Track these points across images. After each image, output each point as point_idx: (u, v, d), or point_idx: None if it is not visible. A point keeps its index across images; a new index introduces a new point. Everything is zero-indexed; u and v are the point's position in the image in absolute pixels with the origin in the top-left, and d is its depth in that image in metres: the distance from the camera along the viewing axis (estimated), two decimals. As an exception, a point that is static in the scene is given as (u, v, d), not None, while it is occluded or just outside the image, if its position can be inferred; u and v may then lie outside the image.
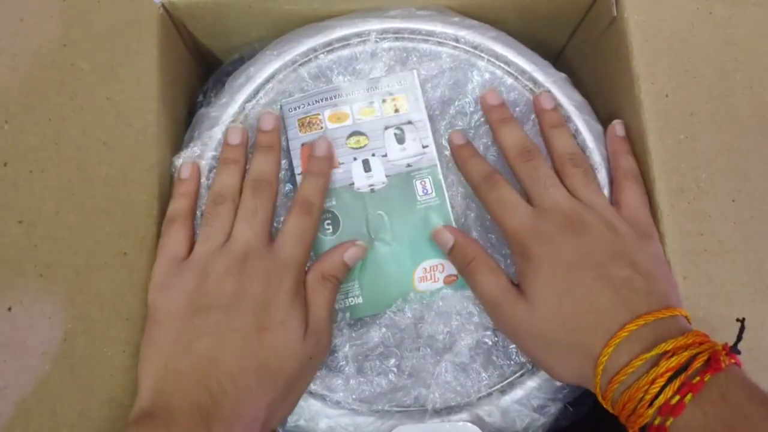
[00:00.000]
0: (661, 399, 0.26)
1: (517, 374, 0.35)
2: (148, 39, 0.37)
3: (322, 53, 0.39)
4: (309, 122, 0.38)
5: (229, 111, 0.38)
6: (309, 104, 0.38)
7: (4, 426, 0.28)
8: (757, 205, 0.35)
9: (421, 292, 0.36)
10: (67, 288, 0.31)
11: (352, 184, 0.37)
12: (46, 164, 0.32)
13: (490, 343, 0.35)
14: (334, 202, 0.37)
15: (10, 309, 0.29)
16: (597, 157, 0.38)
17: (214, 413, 0.28)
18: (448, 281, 0.36)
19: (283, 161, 0.38)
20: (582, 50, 0.45)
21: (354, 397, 0.34)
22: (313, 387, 0.34)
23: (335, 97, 0.38)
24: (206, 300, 0.31)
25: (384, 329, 0.35)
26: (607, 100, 0.40)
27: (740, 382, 0.27)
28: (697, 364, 0.26)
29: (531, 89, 0.39)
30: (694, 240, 0.34)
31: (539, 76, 0.39)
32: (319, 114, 0.38)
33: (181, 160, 0.37)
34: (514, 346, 0.35)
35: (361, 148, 0.37)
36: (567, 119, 0.38)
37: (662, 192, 0.35)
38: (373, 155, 0.37)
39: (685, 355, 0.27)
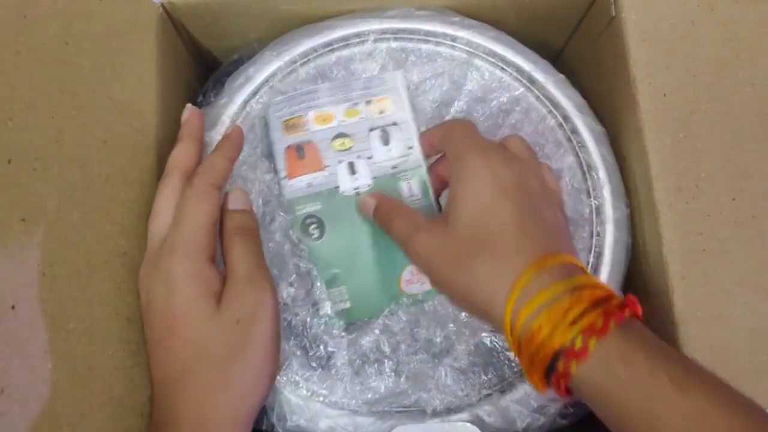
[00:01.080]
0: (586, 321, 0.25)
1: (517, 374, 0.35)
2: (148, 39, 0.37)
3: (322, 53, 0.39)
4: (294, 124, 0.37)
5: (229, 111, 0.38)
6: (293, 105, 0.37)
7: (6, 425, 0.28)
8: (760, 204, 0.35)
9: (409, 295, 0.35)
10: (70, 287, 0.31)
11: (338, 187, 0.36)
12: (48, 162, 0.32)
13: (489, 344, 0.35)
14: (319, 206, 0.36)
15: (13, 307, 0.29)
16: (596, 158, 0.38)
17: (164, 422, 0.29)
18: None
19: (271, 164, 0.38)
20: (581, 50, 0.45)
21: (353, 399, 0.34)
22: (312, 387, 0.34)
23: (320, 98, 0.37)
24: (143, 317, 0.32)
25: (379, 334, 0.35)
26: (607, 100, 0.40)
27: (643, 328, 0.27)
28: (616, 301, 0.26)
29: (530, 89, 0.39)
30: (692, 240, 0.34)
31: (539, 76, 0.39)
32: (303, 115, 0.37)
33: None
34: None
35: (346, 150, 0.37)
36: (566, 119, 0.38)
37: (660, 191, 0.35)
38: (359, 157, 0.36)
39: (605, 289, 0.27)
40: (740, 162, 0.35)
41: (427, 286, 0.35)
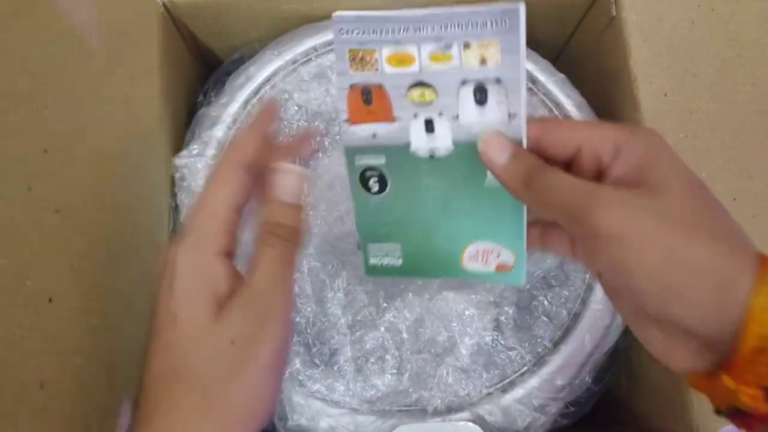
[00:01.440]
0: None
1: (518, 373, 0.35)
2: (149, 38, 0.37)
3: (323, 53, 0.39)
4: (362, 58, 0.29)
5: (230, 110, 0.38)
6: (365, 32, 0.28)
7: (46, 421, 0.28)
8: (760, 204, 0.35)
9: (468, 273, 0.30)
10: (95, 281, 0.31)
11: (408, 144, 0.29)
12: (74, 154, 0.31)
13: (491, 343, 0.35)
14: (383, 161, 0.30)
15: (51, 300, 0.28)
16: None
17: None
18: (500, 269, 0.30)
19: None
20: (582, 50, 0.45)
21: (355, 398, 0.34)
22: (314, 386, 0.34)
23: (400, 30, 0.28)
24: None
25: (384, 332, 0.35)
26: (607, 99, 0.40)
27: None
28: None
29: (531, 89, 0.39)
30: (693, 239, 0.34)
31: (539, 76, 0.40)
32: (375, 50, 0.28)
33: (182, 160, 0.37)
34: (514, 345, 0.35)
35: (426, 103, 0.29)
36: (567, 119, 0.38)
37: (661, 191, 0.35)
38: (441, 115, 0.29)
39: None
40: (741, 161, 0.35)
41: (490, 268, 0.30)
